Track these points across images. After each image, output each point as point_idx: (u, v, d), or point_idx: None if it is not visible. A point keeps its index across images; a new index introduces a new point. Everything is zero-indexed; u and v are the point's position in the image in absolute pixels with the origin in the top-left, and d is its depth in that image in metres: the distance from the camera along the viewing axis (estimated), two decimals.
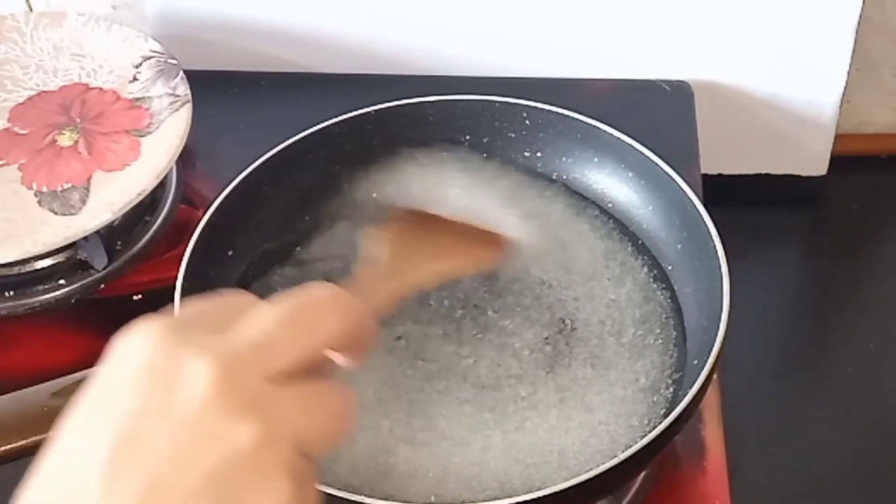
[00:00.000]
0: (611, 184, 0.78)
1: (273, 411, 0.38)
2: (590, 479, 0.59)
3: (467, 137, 0.81)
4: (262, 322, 0.40)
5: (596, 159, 0.78)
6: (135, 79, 0.88)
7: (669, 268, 0.74)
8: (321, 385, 0.40)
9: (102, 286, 0.82)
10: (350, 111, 0.79)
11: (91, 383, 0.39)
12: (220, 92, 0.95)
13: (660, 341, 0.71)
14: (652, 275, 0.74)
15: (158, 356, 0.38)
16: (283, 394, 0.39)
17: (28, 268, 0.81)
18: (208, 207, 0.73)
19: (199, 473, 0.37)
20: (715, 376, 0.65)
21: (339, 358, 0.43)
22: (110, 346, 0.39)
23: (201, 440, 0.37)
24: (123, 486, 0.36)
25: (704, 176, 0.86)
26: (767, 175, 1.01)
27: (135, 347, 0.39)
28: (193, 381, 0.37)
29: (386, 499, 0.59)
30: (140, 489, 0.36)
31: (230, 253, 0.75)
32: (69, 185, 0.82)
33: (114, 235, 0.83)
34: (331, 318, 0.41)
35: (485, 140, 0.80)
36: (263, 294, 0.73)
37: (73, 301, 0.82)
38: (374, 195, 0.77)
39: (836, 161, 1.00)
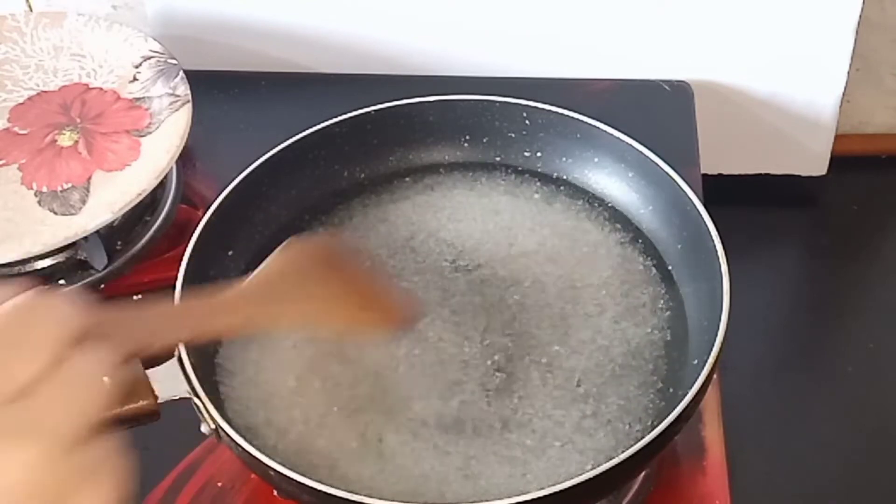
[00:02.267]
0: (611, 184, 0.78)
1: (25, 427, 0.38)
2: (590, 479, 0.59)
3: (467, 137, 0.81)
4: None
5: (596, 159, 0.78)
6: (135, 79, 0.88)
7: (669, 268, 0.74)
8: (68, 374, 0.40)
9: (102, 286, 0.82)
10: (350, 111, 0.79)
11: None
12: (220, 92, 0.95)
13: (659, 341, 0.71)
14: (652, 275, 0.74)
15: None
16: (26, 406, 0.38)
17: (28, 268, 0.81)
18: (208, 207, 0.73)
19: None
20: (715, 376, 0.65)
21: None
22: None
23: None
24: None
25: (704, 176, 0.86)
26: (767, 175, 1.01)
27: None
28: None
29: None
30: None
31: (230, 253, 0.75)
32: (69, 185, 0.82)
33: (114, 235, 0.83)
34: (40, 323, 0.40)
35: (485, 140, 0.80)
36: None
37: None
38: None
39: (836, 161, 1.00)
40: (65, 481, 0.38)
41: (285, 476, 0.60)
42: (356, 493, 0.59)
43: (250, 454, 0.61)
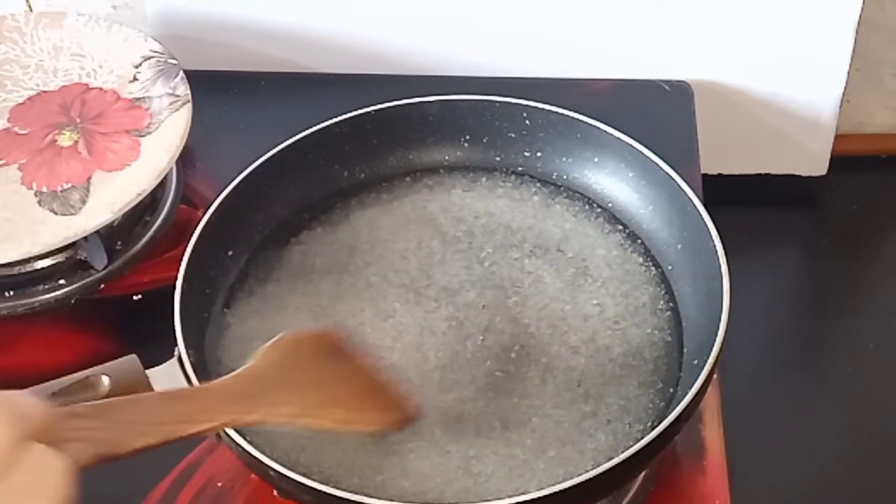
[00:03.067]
0: (611, 184, 0.78)
1: None
2: (590, 479, 0.59)
3: (467, 137, 0.81)
4: None
5: (596, 159, 0.78)
6: (135, 79, 0.88)
7: (669, 268, 0.74)
8: (19, 477, 0.38)
9: (102, 286, 0.82)
10: (350, 111, 0.79)
11: None
12: (220, 92, 0.95)
13: (659, 341, 0.71)
14: (652, 275, 0.74)
15: None
16: None
17: (28, 268, 0.81)
18: (208, 207, 0.73)
19: None
20: (715, 376, 0.65)
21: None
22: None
23: None
24: None
25: (704, 176, 0.86)
26: (767, 175, 1.01)
27: None
28: None
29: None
30: None
31: (230, 253, 0.75)
32: (69, 185, 0.82)
33: (114, 235, 0.83)
34: None
35: (485, 140, 0.81)
36: (263, 295, 0.74)
37: (73, 301, 0.82)
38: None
39: (836, 161, 1.00)
40: None
41: (285, 476, 0.60)
42: (356, 493, 0.59)
43: (250, 454, 0.61)
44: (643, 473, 0.69)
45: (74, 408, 0.46)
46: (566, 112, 0.78)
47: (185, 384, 0.63)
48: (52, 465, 0.39)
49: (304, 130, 0.78)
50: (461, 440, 0.66)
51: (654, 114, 0.92)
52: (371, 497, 0.59)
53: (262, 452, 0.61)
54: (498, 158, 0.81)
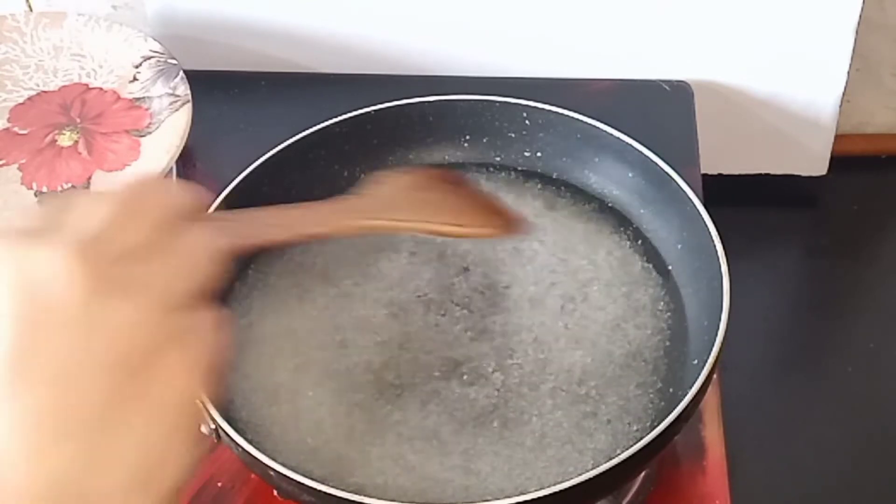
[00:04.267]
0: (611, 184, 0.78)
1: (135, 284, 0.40)
2: (590, 479, 0.59)
3: (467, 137, 0.81)
4: (93, 213, 0.41)
5: (596, 159, 0.78)
6: (135, 79, 0.88)
7: (669, 268, 0.74)
8: (180, 241, 0.42)
9: None
10: (350, 111, 0.79)
11: None
12: (220, 92, 0.95)
13: (659, 341, 0.71)
14: (652, 275, 0.74)
15: (12, 270, 0.39)
16: (137, 267, 0.41)
17: None
18: (208, 207, 0.73)
19: (97, 364, 0.38)
20: (715, 376, 0.65)
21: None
22: None
23: (85, 332, 0.39)
24: (31, 394, 0.38)
25: (704, 176, 0.86)
26: (767, 175, 1.01)
27: None
28: (54, 280, 0.39)
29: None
30: (48, 394, 0.38)
31: None
32: (69, 185, 0.82)
33: None
34: (155, 199, 0.43)
35: (485, 140, 0.80)
36: (263, 294, 0.74)
37: None
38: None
39: (836, 161, 1.00)
40: (159, 340, 0.40)
41: (285, 476, 0.60)
42: (356, 493, 0.59)
43: (250, 454, 0.61)
44: (643, 473, 0.69)
45: (214, 214, 0.50)
46: (566, 112, 0.78)
47: None
48: (207, 237, 0.43)
49: (304, 130, 0.78)
50: (461, 440, 0.66)
51: (654, 114, 0.92)
52: (371, 497, 0.59)
53: (263, 452, 0.61)
54: (498, 158, 0.81)
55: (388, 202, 0.61)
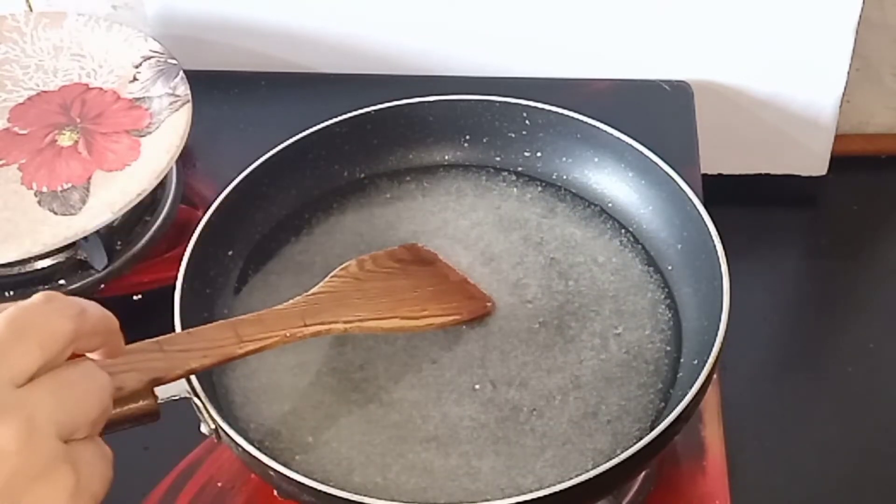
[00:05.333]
0: (611, 184, 0.78)
1: (26, 410, 0.39)
2: (590, 479, 0.59)
3: (467, 137, 0.81)
4: None
5: (596, 159, 0.78)
6: (135, 79, 0.88)
7: (669, 268, 0.74)
8: (67, 372, 0.42)
9: (102, 286, 0.82)
10: (350, 111, 0.79)
11: None
12: (220, 92, 0.95)
13: (659, 341, 0.71)
14: (651, 276, 0.74)
15: None
16: (30, 392, 0.40)
17: (28, 268, 0.81)
18: (208, 207, 0.73)
19: None
20: (715, 376, 0.65)
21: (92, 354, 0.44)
22: None
23: None
24: None
25: (704, 176, 0.86)
26: (767, 175, 1.01)
27: None
28: None
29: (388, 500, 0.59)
30: None
31: (230, 253, 0.75)
32: (69, 185, 0.82)
33: (114, 235, 0.83)
34: (55, 318, 0.42)
35: (485, 140, 0.81)
36: (264, 294, 0.74)
37: None
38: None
39: (836, 161, 1.00)
40: (35, 470, 0.39)
41: (285, 476, 0.60)
42: (356, 493, 0.59)
43: (250, 454, 0.61)
44: (643, 473, 0.69)
45: (132, 346, 0.49)
46: (566, 112, 0.78)
47: (185, 385, 0.63)
48: (98, 375, 0.43)
49: (304, 130, 0.78)
50: (461, 440, 0.66)
51: (654, 114, 0.92)
52: (371, 497, 0.59)
53: (263, 452, 0.61)
54: (498, 158, 0.81)
55: (341, 299, 0.60)
